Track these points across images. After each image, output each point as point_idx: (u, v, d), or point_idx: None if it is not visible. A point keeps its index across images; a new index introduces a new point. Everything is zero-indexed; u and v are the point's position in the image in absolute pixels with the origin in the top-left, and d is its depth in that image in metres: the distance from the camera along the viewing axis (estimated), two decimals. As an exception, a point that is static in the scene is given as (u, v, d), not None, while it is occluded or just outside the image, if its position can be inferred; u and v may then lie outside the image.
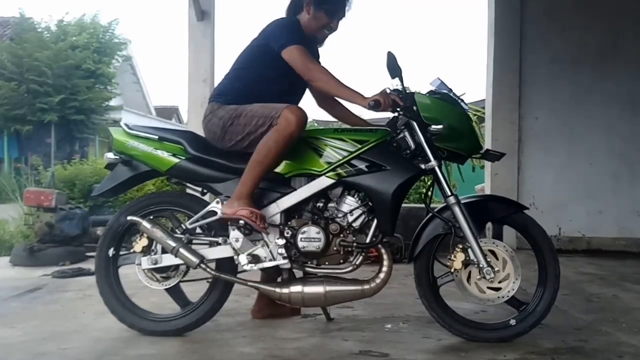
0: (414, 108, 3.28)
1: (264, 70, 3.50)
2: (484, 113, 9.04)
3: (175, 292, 3.51)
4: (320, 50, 3.81)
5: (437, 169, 3.27)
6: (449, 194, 3.27)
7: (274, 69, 3.46)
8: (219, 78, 3.69)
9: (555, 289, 3.34)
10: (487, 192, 7.64)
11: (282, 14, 3.70)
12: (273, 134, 3.21)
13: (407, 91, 3.32)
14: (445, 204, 3.32)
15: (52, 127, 18.23)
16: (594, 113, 7.61)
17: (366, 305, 4.12)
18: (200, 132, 3.60)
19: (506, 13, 7.65)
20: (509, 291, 3.27)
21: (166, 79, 67.02)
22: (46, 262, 6.07)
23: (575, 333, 3.57)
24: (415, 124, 3.27)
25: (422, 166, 3.28)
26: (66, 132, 19.04)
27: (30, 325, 3.69)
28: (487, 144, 7.76)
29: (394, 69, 3.23)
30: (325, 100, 3.89)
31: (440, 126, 3.19)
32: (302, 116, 3.24)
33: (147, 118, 26.36)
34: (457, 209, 3.25)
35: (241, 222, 3.20)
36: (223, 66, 3.68)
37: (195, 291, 3.55)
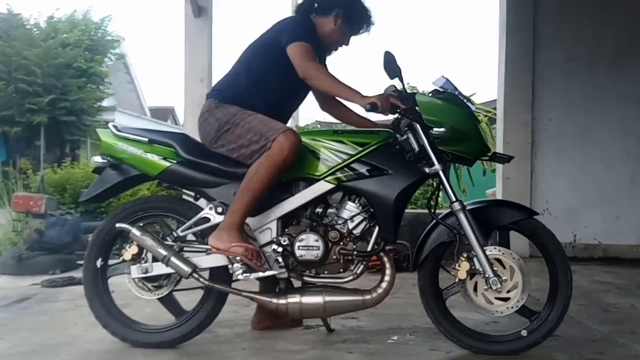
0: (416, 109, 3.27)
1: (271, 66, 3.53)
2: (495, 114, 9.05)
3: (168, 302, 3.52)
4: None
5: (441, 173, 3.26)
6: (454, 199, 3.26)
7: (281, 66, 3.48)
8: (216, 77, 3.72)
9: (567, 295, 3.33)
10: (499, 196, 7.64)
11: (282, 9, 3.72)
12: (265, 159, 3.24)
13: (408, 91, 3.32)
14: (450, 210, 3.32)
15: (42, 128, 18.23)
16: (610, 114, 7.61)
17: (371, 315, 4.13)
18: (197, 134, 3.60)
19: (518, 9, 7.66)
20: (518, 301, 3.26)
21: (161, 78, 67.16)
22: (35, 271, 6.08)
23: (591, 345, 3.58)
24: (418, 126, 3.27)
25: (426, 170, 3.28)
26: (56, 134, 19.04)
27: (19, 337, 3.71)
28: (499, 147, 7.77)
29: (393, 68, 3.23)
30: (328, 103, 3.94)
31: (443, 129, 3.18)
32: (296, 142, 3.26)
33: (141, 119, 26.39)
34: (462, 215, 3.24)
35: (237, 259, 3.22)
36: (221, 65, 3.70)
37: (192, 301, 3.55)
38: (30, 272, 6.05)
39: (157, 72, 69.68)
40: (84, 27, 20.66)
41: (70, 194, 9.53)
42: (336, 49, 3.81)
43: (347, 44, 3.78)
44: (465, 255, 3.23)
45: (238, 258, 3.21)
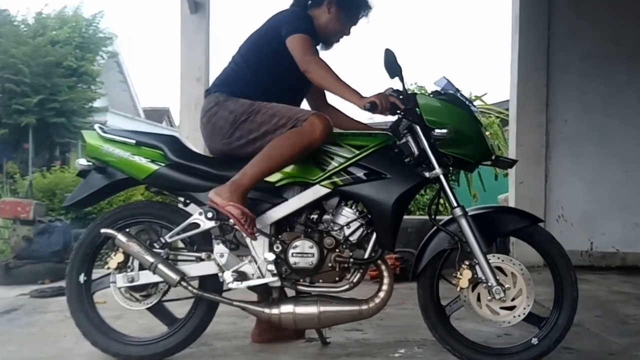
0: (417, 110, 3.29)
1: (271, 59, 3.55)
2: (507, 115, 9.05)
3: (158, 311, 3.53)
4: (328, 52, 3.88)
5: (442, 177, 3.28)
6: (455, 204, 3.29)
7: (283, 58, 3.49)
8: (214, 76, 3.70)
9: (574, 297, 3.35)
10: (512, 202, 7.65)
11: (282, 4, 3.72)
12: (294, 134, 3.24)
13: (409, 92, 3.33)
14: (451, 216, 3.34)
15: (30, 130, 18.30)
16: (629, 115, 7.63)
17: (377, 327, 4.14)
18: (194, 136, 3.59)
19: (532, 5, 7.68)
20: (524, 308, 3.27)
21: (156, 77, 67.11)
22: (24, 281, 6.11)
23: (608, 359, 3.61)
24: (418, 128, 3.29)
25: (426, 174, 3.29)
26: (45, 137, 19.12)
27: (7, 350, 3.73)
28: (512, 149, 7.79)
29: (393, 68, 3.25)
30: (320, 106, 3.94)
31: (445, 131, 3.19)
32: (329, 127, 3.28)
33: (135, 121, 26.43)
34: (463, 222, 3.25)
35: (231, 221, 3.19)
36: (219, 63, 3.68)
37: (184, 311, 3.55)
38: (18, 282, 6.08)
39: (152, 71, 69.77)
40: (75, 23, 20.75)
41: (60, 200, 9.56)
42: (337, 41, 3.82)
43: (347, 33, 3.80)
44: (467, 263, 3.24)
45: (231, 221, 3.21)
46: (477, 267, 3.23)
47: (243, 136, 3.40)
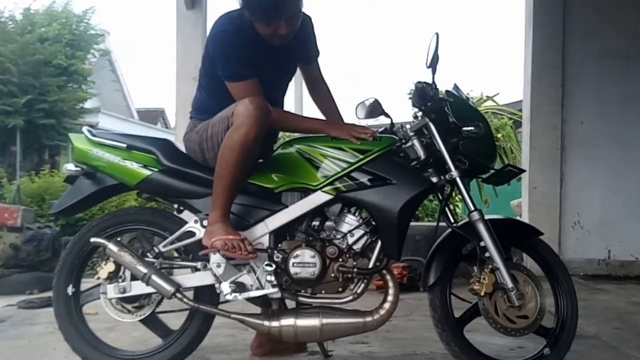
0: (444, 107, 3.31)
1: (221, 81, 3.46)
2: (521, 116, 9.04)
3: (152, 323, 3.50)
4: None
5: (458, 180, 3.29)
6: (473, 208, 3.30)
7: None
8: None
9: (574, 303, 3.44)
10: (525, 208, 7.64)
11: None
12: (226, 138, 3.17)
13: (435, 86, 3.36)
14: (466, 221, 3.36)
15: (18, 132, 18.32)
16: (649, 116, 7.58)
17: (383, 340, 4.14)
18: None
19: (546, 1, 7.64)
20: (538, 314, 3.32)
21: (151, 77, 67.20)
22: (11, 291, 6.13)
23: (627, 373, 3.58)
24: (432, 126, 3.30)
25: (433, 179, 3.31)
26: (34, 139, 19.14)
27: (-8, 364, 3.71)
28: (525, 152, 7.79)
29: (434, 56, 3.31)
30: (315, 89, 3.86)
31: (472, 128, 3.21)
32: (260, 108, 3.13)
33: (128, 122, 26.44)
34: (481, 226, 3.27)
35: (220, 252, 3.19)
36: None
37: (178, 324, 3.54)
38: (5, 292, 6.09)
39: (146, 70, 69.89)
40: (65, 20, 20.81)
41: (50, 205, 9.57)
42: (282, 41, 3.34)
43: (282, 36, 3.29)
44: (489, 267, 3.25)
45: (220, 267, 3.22)
46: (497, 273, 3.25)
47: (209, 152, 3.37)
